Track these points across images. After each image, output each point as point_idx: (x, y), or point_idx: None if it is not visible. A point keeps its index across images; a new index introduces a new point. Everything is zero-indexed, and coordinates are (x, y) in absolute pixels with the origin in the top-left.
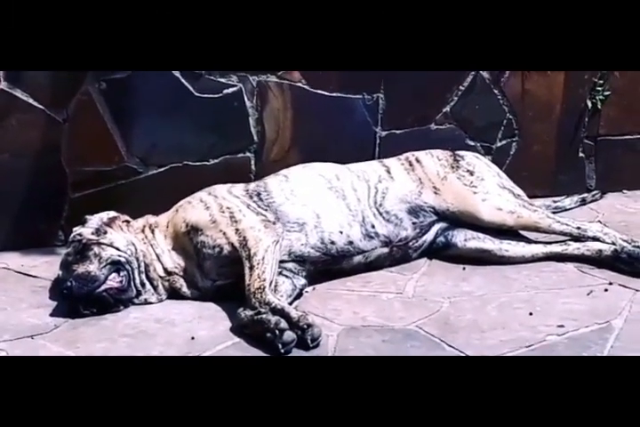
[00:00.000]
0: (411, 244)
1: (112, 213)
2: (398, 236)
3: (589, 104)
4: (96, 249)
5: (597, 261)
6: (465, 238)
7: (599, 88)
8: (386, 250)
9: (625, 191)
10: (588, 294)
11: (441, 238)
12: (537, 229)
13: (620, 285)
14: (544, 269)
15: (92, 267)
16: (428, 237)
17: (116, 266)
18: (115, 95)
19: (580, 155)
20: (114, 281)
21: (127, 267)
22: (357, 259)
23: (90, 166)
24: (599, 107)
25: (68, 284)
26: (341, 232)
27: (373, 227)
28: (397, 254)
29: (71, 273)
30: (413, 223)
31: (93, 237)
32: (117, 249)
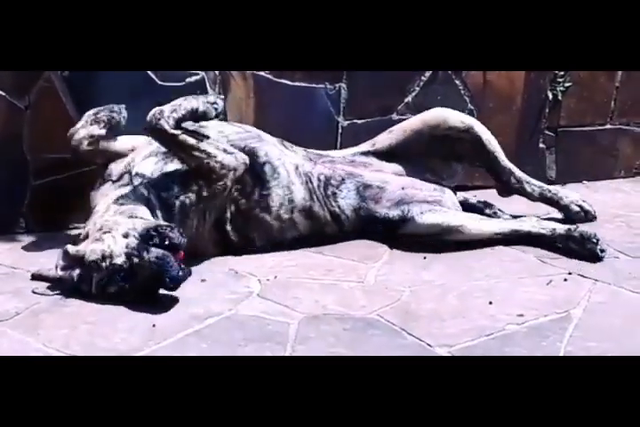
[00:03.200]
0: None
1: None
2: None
3: (550, 95)
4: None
5: (550, 239)
6: (421, 211)
7: (560, 79)
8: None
9: (585, 182)
10: (548, 284)
11: (397, 212)
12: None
13: (579, 275)
14: (504, 259)
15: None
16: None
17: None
18: (77, 82)
19: (541, 146)
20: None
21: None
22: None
23: (52, 153)
24: (560, 98)
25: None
26: None
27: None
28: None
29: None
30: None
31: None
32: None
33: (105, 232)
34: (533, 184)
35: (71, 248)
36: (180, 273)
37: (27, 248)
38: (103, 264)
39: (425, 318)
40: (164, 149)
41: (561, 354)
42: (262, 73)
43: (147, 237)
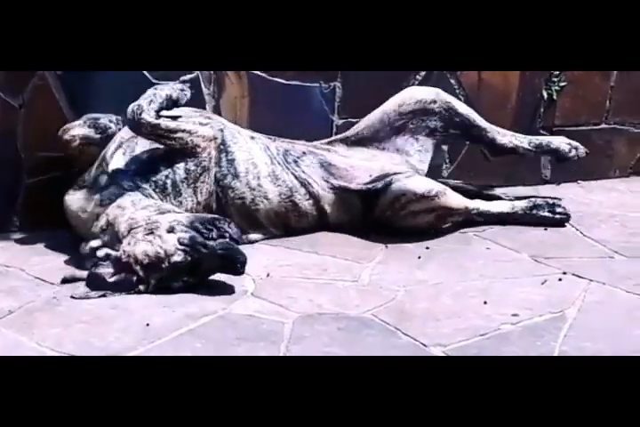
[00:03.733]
0: None
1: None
2: None
3: (545, 95)
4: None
5: (512, 215)
6: (407, 176)
7: (555, 79)
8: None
9: (580, 182)
10: (543, 284)
11: (379, 183)
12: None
13: (574, 275)
14: (499, 259)
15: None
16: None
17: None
18: (71, 81)
19: None
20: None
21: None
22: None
23: (46, 152)
24: (555, 97)
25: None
26: None
27: None
28: None
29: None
30: None
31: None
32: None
33: (147, 233)
34: (519, 136)
35: (117, 253)
36: (244, 255)
37: (20, 247)
38: (163, 265)
39: (419, 317)
40: (123, 139)
41: (555, 354)
42: (257, 72)
43: (202, 231)
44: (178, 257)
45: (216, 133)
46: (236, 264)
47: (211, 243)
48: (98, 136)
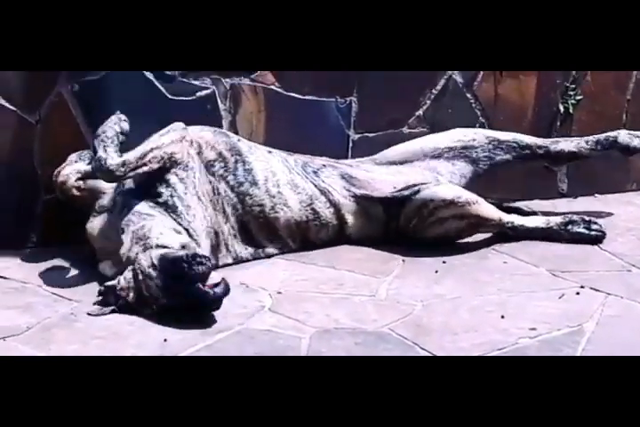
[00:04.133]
0: None
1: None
2: None
3: (561, 108)
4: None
5: (547, 231)
6: (436, 184)
7: (571, 93)
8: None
9: (596, 195)
10: (560, 298)
11: (406, 191)
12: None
13: (591, 288)
14: (516, 273)
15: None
16: None
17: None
18: (87, 97)
19: None
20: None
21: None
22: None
23: None
24: (571, 111)
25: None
26: None
27: None
28: None
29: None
30: None
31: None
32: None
33: (135, 274)
34: (574, 139)
35: (114, 284)
36: (217, 292)
37: (37, 263)
38: (153, 306)
39: (437, 332)
40: None
41: None
42: (273, 87)
43: (169, 276)
44: (163, 300)
45: (182, 133)
46: (204, 308)
47: (177, 290)
48: (89, 167)
